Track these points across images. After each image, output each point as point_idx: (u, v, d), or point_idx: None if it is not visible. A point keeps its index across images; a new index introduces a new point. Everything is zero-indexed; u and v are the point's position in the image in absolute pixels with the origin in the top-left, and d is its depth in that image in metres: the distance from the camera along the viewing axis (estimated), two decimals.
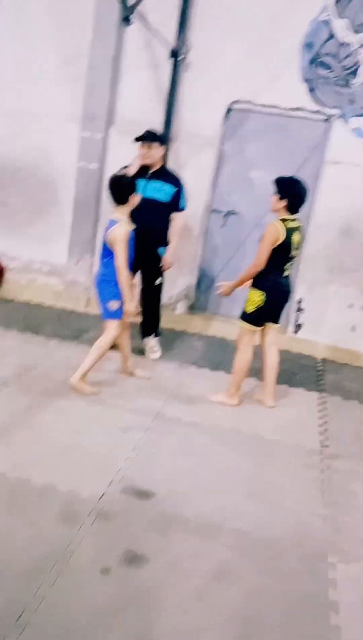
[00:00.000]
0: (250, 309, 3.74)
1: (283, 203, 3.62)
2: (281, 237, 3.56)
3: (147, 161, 4.24)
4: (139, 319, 4.49)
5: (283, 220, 3.62)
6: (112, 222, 3.62)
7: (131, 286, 3.71)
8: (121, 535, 2.41)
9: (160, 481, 2.85)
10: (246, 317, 3.78)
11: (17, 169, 5.69)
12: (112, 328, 3.71)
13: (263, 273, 3.66)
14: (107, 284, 3.68)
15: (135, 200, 3.68)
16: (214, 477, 2.98)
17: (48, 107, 5.49)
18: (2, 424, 3.17)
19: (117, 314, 3.70)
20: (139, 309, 3.68)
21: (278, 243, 3.57)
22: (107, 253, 3.65)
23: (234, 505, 2.76)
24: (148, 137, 4.21)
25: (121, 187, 3.63)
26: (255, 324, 3.77)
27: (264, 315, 3.77)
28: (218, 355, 4.80)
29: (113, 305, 3.67)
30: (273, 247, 3.58)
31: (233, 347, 3.92)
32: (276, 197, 3.65)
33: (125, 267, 3.59)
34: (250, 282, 3.77)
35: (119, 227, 3.57)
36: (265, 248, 3.59)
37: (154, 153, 4.23)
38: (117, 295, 3.66)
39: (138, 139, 4.23)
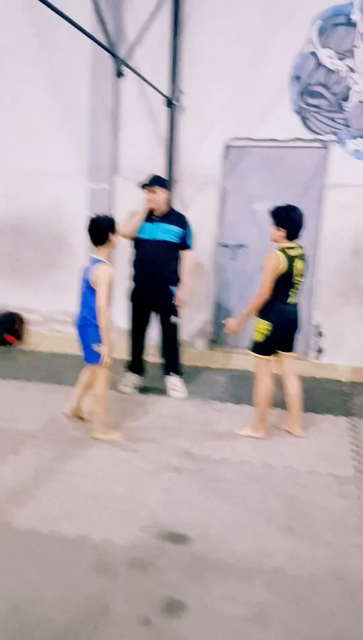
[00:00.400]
0: (258, 338, 3.73)
1: (282, 232, 3.65)
2: (282, 265, 3.57)
3: (152, 205, 4.35)
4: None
5: (284, 248, 3.65)
6: (95, 261, 3.55)
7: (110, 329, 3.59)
8: (158, 583, 2.36)
9: (193, 523, 2.80)
10: (255, 347, 3.77)
11: (30, 224, 5.89)
12: (101, 371, 3.65)
13: (268, 302, 3.66)
14: (90, 327, 3.57)
15: (115, 241, 3.61)
16: (248, 514, 2.92)
17: (55, 163, 5.71)
18: (30, 477, 3.18)
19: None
20: (112, 360, 3.62)
21: (279, 272, 3.58)
22: (90, 293, 3.54)
23: (269, 542, 2.69)
24: (150, 183, 4.33)
25: (99, 228, 3.55)
26: (265, 354, 3.75)
27: (273, 344, 3.75)
28: (242, 389, 4.77)
29: (98, 348, 3.57)
30: (275, 276, 3.60)
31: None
32: (274, 228, 3.69)
33: (107, 310, 3.51)
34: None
35: (105, 267, 3.49)
36: (267, 278, 3.60)
37: (159, 197, 4.34)
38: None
39: (141, 186, 4.36)
